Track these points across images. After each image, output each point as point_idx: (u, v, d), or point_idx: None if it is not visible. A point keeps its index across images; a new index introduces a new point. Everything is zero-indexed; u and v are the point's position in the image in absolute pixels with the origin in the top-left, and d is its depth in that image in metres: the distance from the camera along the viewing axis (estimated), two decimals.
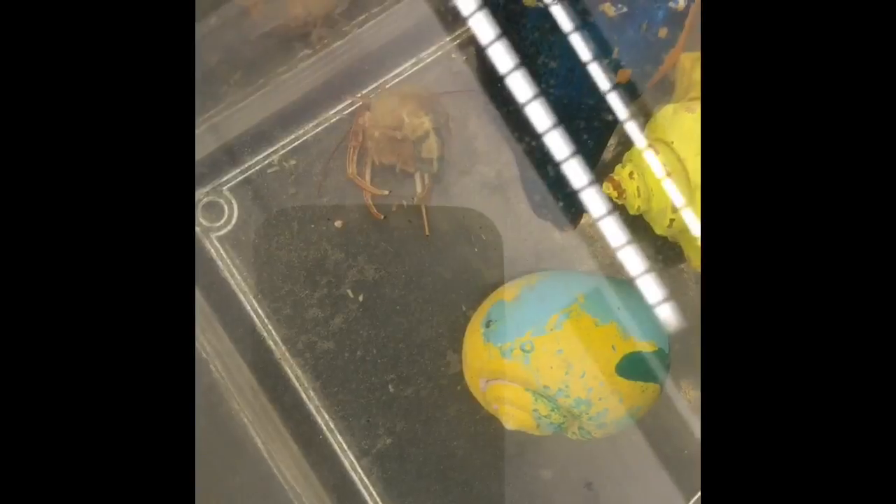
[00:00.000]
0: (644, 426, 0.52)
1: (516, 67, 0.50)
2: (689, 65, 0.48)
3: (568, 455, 0.53)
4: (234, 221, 0.53)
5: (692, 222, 0.46)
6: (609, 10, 0.49)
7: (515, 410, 0.46)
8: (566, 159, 0.50)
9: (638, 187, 0.47)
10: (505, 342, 0.46)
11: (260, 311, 0.52)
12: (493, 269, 0.53)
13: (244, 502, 0.52)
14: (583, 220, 0.54)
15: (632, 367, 0.45)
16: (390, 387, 0.52)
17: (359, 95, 0.53)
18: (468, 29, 0.54)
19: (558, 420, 0.46)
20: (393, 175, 0.53)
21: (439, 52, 0.55)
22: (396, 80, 0.54)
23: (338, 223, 0.53)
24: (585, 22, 0.49)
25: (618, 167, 0.49)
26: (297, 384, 0.52)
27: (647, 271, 0.52)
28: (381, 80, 0.54)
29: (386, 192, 0.52)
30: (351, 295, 0.52)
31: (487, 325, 0.47)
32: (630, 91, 0.50)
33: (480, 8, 0.51)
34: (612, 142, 0.52)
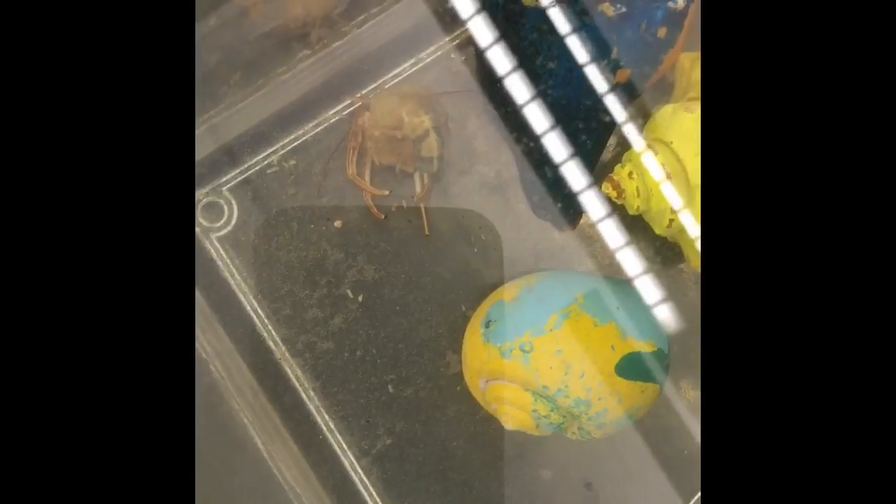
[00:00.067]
0: (643, 426, 0.52)
1: (515, 68, 0.50)
2: (688, 65, 0.48)
3: (567, 455, 0.53)
4: (233, 222, 0.53)
5: (691, 222, 0.46)
6: (608, 10, 0.49)
7: (515, 411, 0.46)
8: (565, 159, 0.50)
9: (637, 187, 0.47)
10: (504, 342, 0.46)
11: (260, 312, 0.52)
12: (492, 270, 0.53)
13: (244, 502, 0.52)
14: (582, 221, 0.54)
15: (631, 367, 0.45)
16: (390, 387, 0.52)
17: (358, 96, 0.53)
18: (467, 29, 0.54)
19: (558, 420, 0.46)
20: (392, 175, 0.53)
21: (438, 53, 0.55)
22: (395, 80, 0.54)
23: (337, 223, 0.53)
24: (584, 22, 0.49)
25: (617, 167, 0.49)
26: (296, 384, 0.52)
27: (647, 271, 0.52)
28: (380, 81, 0.54)
29: (386, 193, 0.52)
30: (350, 295, 0.52)
31: (487, 325, 0.48)
32: (629, 91, 0.50)
33: (479, 8, 0.51)
34: (612, 142, 0.52)
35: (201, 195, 0.53)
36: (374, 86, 0.54)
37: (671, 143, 0.45)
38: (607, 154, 0.53)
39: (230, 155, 0.53)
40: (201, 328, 0.52)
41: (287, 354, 0.52)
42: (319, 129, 0.54)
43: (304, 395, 0.52)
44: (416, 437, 0.52)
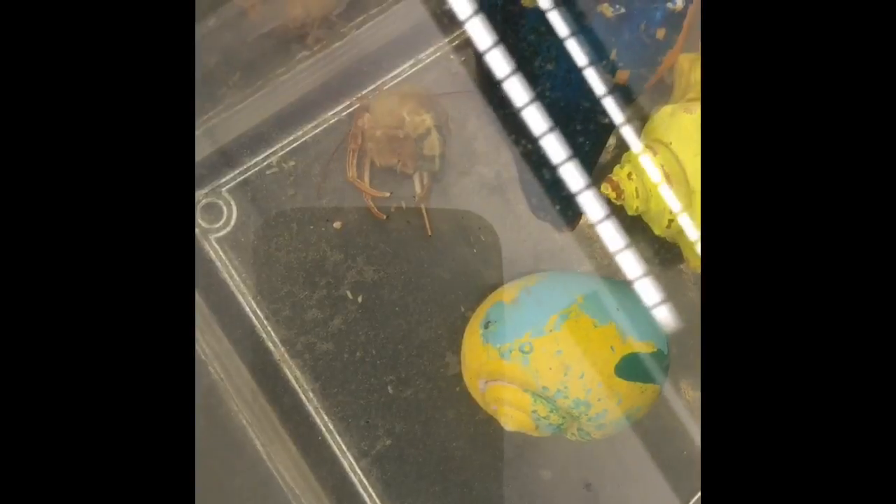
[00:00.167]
0: (643, 427, 0.52)
1: (514, 69, 0.50)
2: (687, 66, 0.48)
3: (567, 456, 0.53)
4: (233, 223, 0.53)
5: (690, 223, 0.46)
6: (607, 11, 0.49)
7: (514, 411, 0.46)
8: (565, 160, 0.50)
9: (636, 188, 0.47)
10: (504, 343, 0.46)
11: (259, 313, 0.52)
12: (491, 271, 0.53)
13: None
14: (581, 222, 0.54)
15: (631, 368, 0.45)
16: (389, 388, 0.52)
17: (356, 98, 0.53)
18: (466, 31, 0.54)
19: (557, 421, 0.46)
20: (391, 176, 0.53)
21: (438, 54, 0.55)
22: (395, 81, 0.54)
23: (337, 224, 0.53)
24: (583, 23, 0.49)
25: (616, 168, 0.49)
26: (296, 385, 0.52)
27: (646, 272, 0.52)
28: (379, 82, 0.54)
29: (387, 195, 0.52)
30: (350, 296, 0.52)
31: (486, 326, 0.48)
32: (628, 92, 0.50)
33: (478, 9, 0.51)
34: (611, 143, 0.52)
35: (201, 196, 0.53)
36: (373, 87, 0.54)
37: (670, 143, 0.45)
38: (606, 155, 0.53)
39: (229, 156, 0.53)
40: (200, 329, 0.52)
41: (286, 355, 0.52)
42: (318, 130, 0.54)
43: (303, 397, 0.52)
44: (415, 438, 0.52)
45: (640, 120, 0.50)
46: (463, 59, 0.55)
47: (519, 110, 0.51)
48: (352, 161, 0.52)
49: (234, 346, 0.52)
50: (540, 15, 0.49)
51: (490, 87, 0.52)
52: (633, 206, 0.48)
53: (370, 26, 0.54)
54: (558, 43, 0.49)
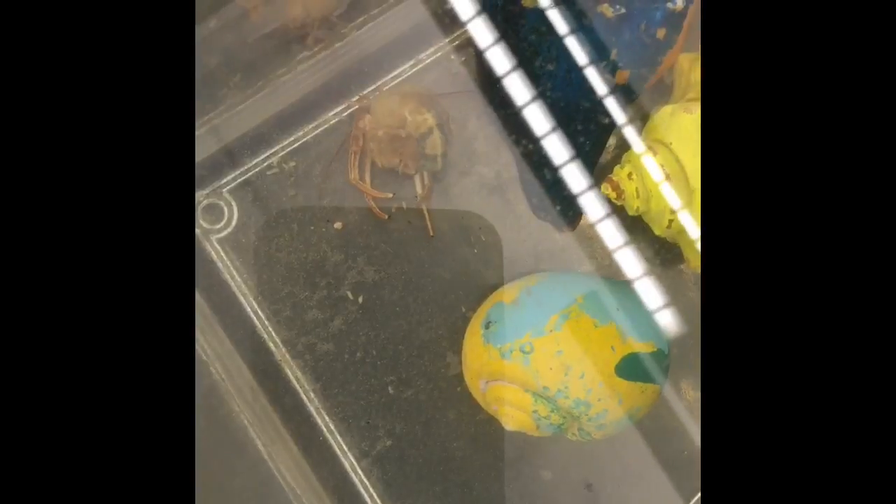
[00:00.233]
0: (644, 427, 0.52)
1: (515, 69, 0.50)
2: (687, 65, 0.48)
3: (568, 456, 0.53)
4: (233, 223, 0.53)
5: (691, 223, 0.46)
6: (607, 11, 0.49)
7: (515, 412, 0.46)
8: (565, 161, 0.50)
9: (637, 188, 0.47)
10: (504, 343, 0.46)
11: (260, 313, 0.52)
12: (492, 271, 0.53)
13: None
14: (582, 222, 0.54)
15: (631, 368, 0.45)
16: (390, 388, 0.52)
17: (354, 99, 0.53)
18: (466, 31, 0.54)
19: (558, 421, 0.46)
20: (392, 177, 0.53)
21: (438, 54, 0.55)
22: (395, 81, 0.54)
23: (337, 225, 0.53)
24: (583, 23, 0.49)
25: (617, 168, 0.49)
26: (297, 386, 0.52)
27: (646, 272, 0.52)
28: (380, 82, 0.54)
29: (390, 196, 0.52)
30: (351, 296, 0.52)
31: (487, 326, 0.48)
32: (628, 92, 0.50)
33: (479, 10, 0.51)
34: (611, 143, 0.52)
35: (201, 197, 0.53)
36: (373, 87, 0.54)
37: (670, 143, 0.45)
38: (607, 155, 0.53)
39: (230, 156, 0.53)
40: (202, 330, 0.52)
41: (287, 356, 0.52)
42: (319, 130, 0.54)
43: (304, 397, 0.52)
44: (416, 439, 0.52)
45: (641, 120, 0.50)
46: (463, 59, 0.55)
47: (519, 110, 0.51)
48: (353, 163, 0.52)
49: (235, 346, 0.52)
50: (540, 15, 0.49)
51: (490, 88, 0.52)
52: (633, 206, 0.48)
53: (371, 27, 0.54)
54: (559, 43, 0.49)
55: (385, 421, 0.52)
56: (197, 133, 0.52)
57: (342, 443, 0.52)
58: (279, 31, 0.52)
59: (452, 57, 0.55)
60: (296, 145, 0.54)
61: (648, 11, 0.49)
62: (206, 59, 0.52)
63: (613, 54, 0.49)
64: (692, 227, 0.46)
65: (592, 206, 0.51)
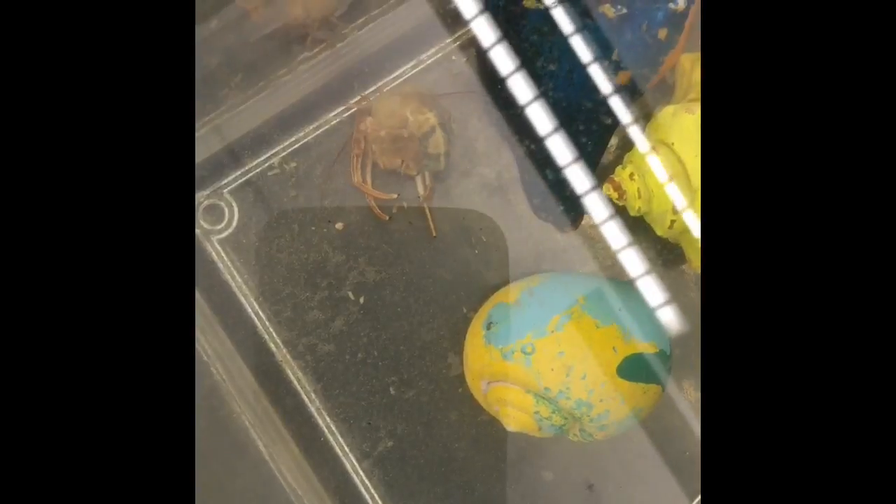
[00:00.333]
0: (646, 427, 0.52)
1: (516, 69, 0.50)
2: (688, 66, 0.48)
3: (569, 457, 0.53)
4: (234, 224, 0.53)
5: (693, 223, 0.46)
6: (608, 11, 0.49)
7: (517, 412, 0.46)
8: (567, 161, 0.50)
9: (638, 189, 0.47)
10: (506, 344, 0.46)
11: (261, 314, 0.52)
12: (493, 271, 0.53)
13: None
14: (583, 222, 0.54)
15: (633, 368, 0.45)
16: (391, 389, 0.52)
17: (353, 102, 0.53)
18: (468, 31, 0.54)
19: (559, 422, 0.46)
20: (393, 178, 0.53)
21: (439, 55, 0.55)
22: (396, 82, 0.54)
23: (338, 225, 0.53)
24: (585, 24, 0.49)
25: (618, 168, 0.49)
26: (298, 387, 0.52)
27: (648, 273, 0.52)
28: (381, 83, 0.54)
29: (395, 196, 0.52)
30: (352, 297, 0.52)
31: (488, 327, 0.47)
32: (630, 92, 0.50)
33: (480, 10, 0.51)
34: (613, 143, 0.52)
35: (202, 197, 0.53)
36: (374, 88, 0.54)
37: (672, 144, 0.45)
38: (608, 155, 0.53)
39: (231, 157, 0.53)
40: (202, 330, 0.52)
41: (288, 357, 0.52)
42: (320, 131, 0.54)
43: (305, 398, 0.52)
44: (417, 440, 0.52)
45: (643, 120, 0.50)
46: (465, 59, 0.54)
47: (521, 111, 0.51)
48: (356, 166, 0.52)
49: (236, 347, 0.52)
50: (542, 15, 0.49)
51: (492, 88, 0.52)
52: (634, 206, 0.48)
53: (371, 27, 0.54)
54: (560, 43, 0.49)
55: (386, 422, 0.52)
56: (197, 133, 0.52)
57: (343, 444, 0.52)
58: (280, 31, 0.52)
59: (454, 57, 0.55)
60: (297, 146, 0.54)
61: (650, 12, 0.49)
62: (206, 60, 0.52)
63: (615, 55, 0.49)
64: (694, 228, 0.46)
65: (594, 206, 0.51)
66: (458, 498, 0.52)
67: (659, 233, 0.48)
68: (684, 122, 0.45)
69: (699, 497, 0.51)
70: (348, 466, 0.52)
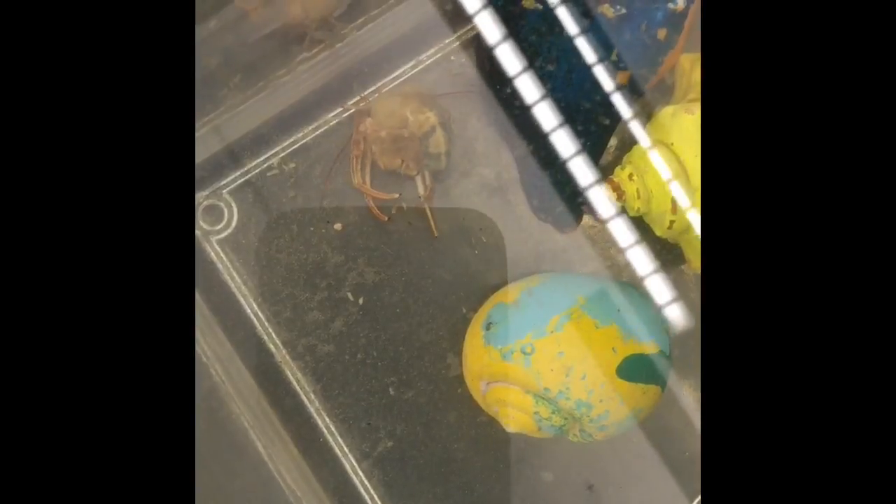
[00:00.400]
0: (646, 428, 0.52)
1: (515, 69, 0.50)
2: (688, 66, 0.48)
3: (569, 457, 0.53)
4: (234, 224, 0.53)
5: (692, 224, 0.46)
6: (608, 11, 0.49)
7: (516, 413, 0.46)
8: (566, 161, 0.50)
9: (637, 189, 0.47)
10: (505, 344, 0.46)
11: (260, 315, 0.52)
12: (493, 272, 0.53)
13: None
14: (583, 222, 0.54)
15: (633, 368, 0.45)
16: (391, 390, 0.52)
17: (351, 103, 0.53)
18: (467, 31, 0.54)
19: (559, 422, 0.46)
20: (392, 178, 0.53)
21: (438, 55, 0.55)
22: (396, 82, 0.54)
23: (337, 226, 0.53)
24: (584, 24, 0.49)
25: (617, 169, 0.49)
26: (297, 387, 0.52)
27: (648, 273, 0.52)
28: (380, 83, 0.54)
29: (396, 196, 0.52)
30: (351, 298, 0.52)
31: (488, 327, 0.47)
32: (629, 93, 0.50)
33: (480, 10, 0.51)
34: (612, 144, 0.52)
35: (201, 198, 0.53)
36: (373, 88, 0.54)
37: (671, 144, 0.45)
38: (607, 156, 0.53)
39: (230, 157, 0.53)
40: (202, 331, 0.52)
41: (288, 357, 0.52)
42: (319, 132, 0.54)
43: (304, 398, 0.52)
44: (417, 440, 0.52)
45: (642, 121, 0.50)
46: (464, 59, 0.54)
47: (520, 111, 0.51)
48: (356, 167, 0.52)
49: (235, 348, 0.52)
50: (541, 15, 0.49)
51: (491, 88, 0.52)
52: (634, 207, 0.48)
53: (371, 27, 0.54)
54: (559, 43, 0.49)
55: (386, 422, 0.52)
56: (197, 134, 0.52)
57: (343, 444, 0.52)
58: (279, 31, 0.52)
59: (453, 58, 0.55)
60: (296, 146, 0.53)
61: (649, 12, 0.49)
62: (206, 60, 0.52)
63: (614, 55, 0.49)
64: (693, 228, 0.46)
65: (593, 206, 0.51)
66: (458, 498, 0.52)
67: (658, 233, 0.48)
68: (684, 123, 0.45)
69: (699, 497, 0.51)
70: (348, 467, 0.52)
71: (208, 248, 0.52)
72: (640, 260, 0.52)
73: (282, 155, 0.53)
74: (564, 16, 0.49)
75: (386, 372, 0.52)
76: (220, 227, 0.53)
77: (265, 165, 0.53)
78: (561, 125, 0.50)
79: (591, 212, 0.52)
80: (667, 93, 0.51)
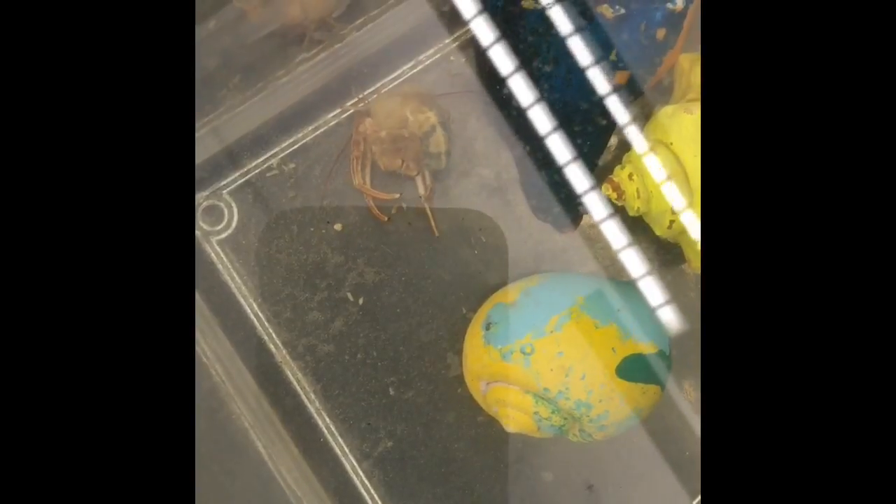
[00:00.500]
0: (645, 428, 0.52)
1: (515, 70, 0.50)
2: (687, 66, 0.48)
3: (569, 457, 0.53)
4: (234, 225, 0.53)
5: (692, 224, 0.46)
6: (606, 11, 0.49)
7: (516, 413, 0.46)
8: (565, 161, 0.50)
9: (637, 189, 0.47)
10: (505, 345, 0.46)
11: (260, 315, 0.52)
12: (493, 272, 0.53)
13: None
14: (583, 222, 0.54)
15: (632, 368, 0.45)
16: (391, 390, 0.52)
17: (350, 104, 0.53)
18: (466, 31, 0.54)
19: (559, 422, 0.46)
20: (392, 178, 0.53)
21: (438, 55, 0.55)
22: (395, 82, 0.54)
23: (337, 226, 0.53)
24: (583, 24, 0.49)
25: (617, 168, 0.49)
26: (297, 387, 0.52)
27: (647, 273, 0.52)
28: (379, 83, 0.54)
29: (397, 196, 0.52)
30: (351, 298, 0.52)
31: (487, 327, 0.47)
32: (629, 92, 0.50)
33: (479, 10, 0.51)
34: (612, 143, 0.52)
35: (201, 198, 0.53)
36: (372, 89, 0.54)
37: (671, 144, 0.45)
38: (607, 156, 0.53)
39: (230, 158, 0.53)
40: (202, 332, 0.52)
41: (288, 357, 0.52)
42: (319, 132, 0.54)
43: (304, 399, 0.52)
44: (417, 440, 0.52)
45: (641, 121, 0.50)
46: (463, 60, 0.54)
47: (519, 111, 0.51)
48: (356, 168, 0.52)
49: (235, 348, 0.52)
50: (540, 16, 0.49)
51: (490, 89, 0.52)
52: (633, 206, 0.48)
53: (370, 28, 0.54)
54: (558, 44, 0.49)
55: (386, 422, 0.52)
56: (196, 135, 0.52)
57: (343, 444, 0.52)
58: (278, 32, 0.52)
59: (452, 58, 0.55)
60: (295, 147, 0.53)
61: (648, 12, 0.49)
62: (205, 61, 0.52)
63: (613, 55, 0.49)
64: (693, 228, 0.46)
65: (593, 206, 0.51)
66: (458, 498, 0.52)
67: (658, 233, 0.49)
68: (683, 122, 0.45)
69: (699, 497, 0.51)
70: (348, 467, 0.52)
71: (208, 249, 0.52)
72: (640, 260, 0.52)
73: (281, 155, 0.53)
74: (563, 16, 0.49)
75: (386, 372, 0.52)
76: (220, 227, 0.53)
77: (265, 166, 0.53)
78: (560, 125, 0.50)
79: (590, 212, 0.52)
80: (666, 93, 0.51)
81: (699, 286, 0.53)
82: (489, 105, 0.53)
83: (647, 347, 0.46)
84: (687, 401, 0.53)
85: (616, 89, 0.50)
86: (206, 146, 0.53)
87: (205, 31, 0.51)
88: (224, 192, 0.53)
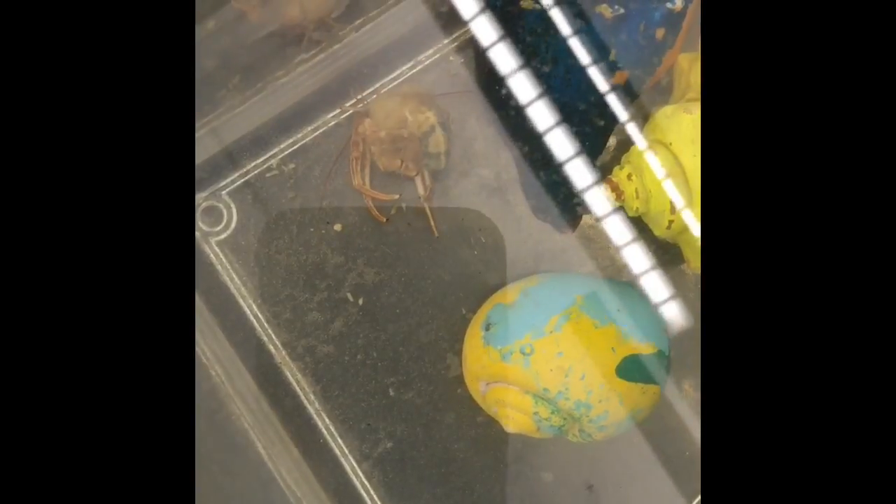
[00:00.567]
0: (645, 428, 0.52)
1: (514, 70, 0.50)
2: (686, 66, 0.48)
3: (569, 457, 0.53)
4: (233, 226, 0.53)
5: (691, 224, 0.46)
6: (606, 11, 0.49)
7: (516, 413, 0.46)
8: (565, 161, 0.50)
9: (636, 189, 0.47)
10: (504, 345, 0.46)
11: (260, 316, 0.52)
12: (492, 272, 0.53)
13: None
14: (582, 222, 0.54)
15: (632, 368, 0.45)
16: (390, 390, 0.52)
17: (349, 104, 0.53)
18: (466, 31, 0.54)
19: (559, 423, 0.46)
20: (392, 179, 0.53)
21: (437, 55, 0.55)
22: (394, 83, 0.54)
23: (337, 227, 0.53)
24: (582, 24, 0.49)
25: (616, 169, 0.49)
26: (297, 388, 0.52)
27: (647, 273, 0.52)
28: (378, 84, 0.54)
29: (396, 196, 0.52)
30: (350, 298, 0.52)
31: (487, 328, 0.47)
32: (628, 92, 0.50)
33: (478, 11, 0.51)
34: (611, 144, 0.52)
35: (201, 199, 0.53)
36: (372, 89, 0.54)
37: (670, 144, 0.45)
38: (606, 156, 0.53)
39: (229, 159, 0.53)
40: (202, 332, 0.52)
41: (287, 358, 0.52)
42: (318, 132, 0.54)
43: (304, 399, 0.52)
44: (416, 441, 0.52)
45: (640, 121, 0.50)
46: (462, 60, 0.54)
47: (518, 111, 0.51)
48: (356, 168, 0.52)
49: (235, 349, 0.52)
50: (539, 16, 0.49)
51: (489, 89, 0.52)
52: (632, 207, 0.48)
53: (369, 28, 0.54)
54: (557, 44, 0.49)
55: (385, 423, 0.52)
56: (196, 135, 0.52)
57: (343, 445, 0.52)
58: (277, 33, 0.52)
59: (451, 58, 0.55)
60: (295, 147, 0.53)
61: (647, 12, 0.49)
62: (204, 61, 0.52)
63: (612, 55, 0.49)
64: (692, 228, 0.46)
65: (593, 206, 0.51)
66: (458, 499, 0.52)
67: (657, 233, 0.49)
68: (682, 123, 0.45)
69: (699, 497, 0.51)
70: (348, 468, 0.52)
71: (208, 250, 0.52)
72: (639, 260, 0.52)
73: (281, 156, 0.53)
74: (562, 16, 0.49)
75: (385, 373, 0.52)
76: (219, 228, 0.53)
77: (264, 166, 0.53)
78: (559, 125, 0.50)
79: (590, 212, 0.52)
80: (665, 93, 0.51)
81: (698, 286, 0.53)
82: (488, 105, 0.53)
83: (646, 347, 0.46)
84: (687, 401, 0.53)
85: (615, 89, 0.50)
86: (205, 147, 0.53)
87: (204, 31, 0.51)
88: (223, 192, 0.53)
